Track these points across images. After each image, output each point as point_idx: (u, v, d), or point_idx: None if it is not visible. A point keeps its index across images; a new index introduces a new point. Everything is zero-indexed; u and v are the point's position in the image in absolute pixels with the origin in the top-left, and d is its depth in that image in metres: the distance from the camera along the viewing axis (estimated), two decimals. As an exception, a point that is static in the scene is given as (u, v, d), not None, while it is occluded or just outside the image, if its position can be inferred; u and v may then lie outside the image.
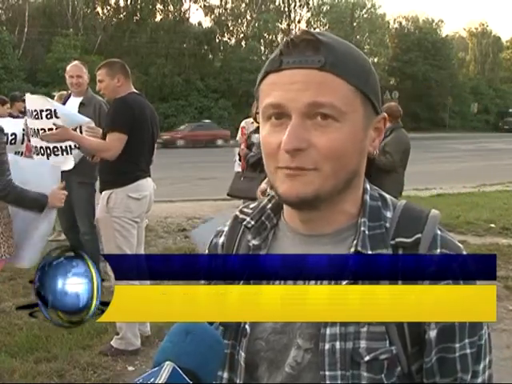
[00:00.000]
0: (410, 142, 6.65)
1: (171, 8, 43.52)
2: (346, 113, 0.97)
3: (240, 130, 7.82)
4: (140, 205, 4.36)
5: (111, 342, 4.42)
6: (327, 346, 0.99)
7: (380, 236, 1.03)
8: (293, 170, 0.98)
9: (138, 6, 42.11)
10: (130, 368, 4.23)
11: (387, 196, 1.10)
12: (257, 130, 6.11)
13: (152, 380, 0.82)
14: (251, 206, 1.19)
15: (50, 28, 37.24)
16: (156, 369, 0.84)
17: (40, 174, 3.80)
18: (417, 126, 44.68)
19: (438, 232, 1.03)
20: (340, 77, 0.97)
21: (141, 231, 4.61)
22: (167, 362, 0.84)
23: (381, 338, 0.98)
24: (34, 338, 4.57)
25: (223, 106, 40.76)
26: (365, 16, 52.40)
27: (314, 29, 47.72)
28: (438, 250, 1.00)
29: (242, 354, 1.08)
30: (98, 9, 42.52)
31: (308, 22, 49.53)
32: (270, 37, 46.75)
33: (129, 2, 41.88)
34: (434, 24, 56.67)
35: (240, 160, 7.40)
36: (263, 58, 43.47)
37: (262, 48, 45.94)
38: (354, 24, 50.33)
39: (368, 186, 1.09)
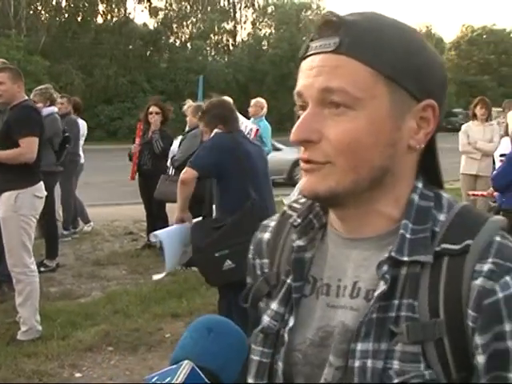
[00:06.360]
0: None
1: (115, 9, 42.85)
2: (362, 99, 0.85)
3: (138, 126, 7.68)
4: (41, 202, 4.77)
5: (18, 338, 4.57)
6: (357, 364, 0.85)
7: (423, 240, 0.87)
8: (308, 165, 0.90)
9: (81, 6, 41.26)
10: (78, 374, 4.16)
11: (445, 196, 0.94)
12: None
13: (168, 379, 0.77)
14: (301, 200, 1.05)
15: (-10, 29, 36.18)
16: (174, 367, 0.78)
17: None
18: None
19: (497, 238, 0.86)
20: (356, 59, 0.85)
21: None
22: (186, 361, 0.78)
23: (415, 359, 0.83)
24: (-24, 347, 4.45)
25: (170, 108, 40.20)
26: (310, 17, 52.89)
27: (260, 30, 47.93)
28: (490, 260, 0.83)
29: (280, 364, 0.96)
30: (40, 9, 41.46)
31: (253, 23, 49.63)
32: (216, 37, 46.66)
33: (71, 3, 40.97)
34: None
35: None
36: (209, 58, 43.34)
37: (208, 49, 45.74)
38: (300, 25, 50.76)
39: (420, 184, 0.94)
